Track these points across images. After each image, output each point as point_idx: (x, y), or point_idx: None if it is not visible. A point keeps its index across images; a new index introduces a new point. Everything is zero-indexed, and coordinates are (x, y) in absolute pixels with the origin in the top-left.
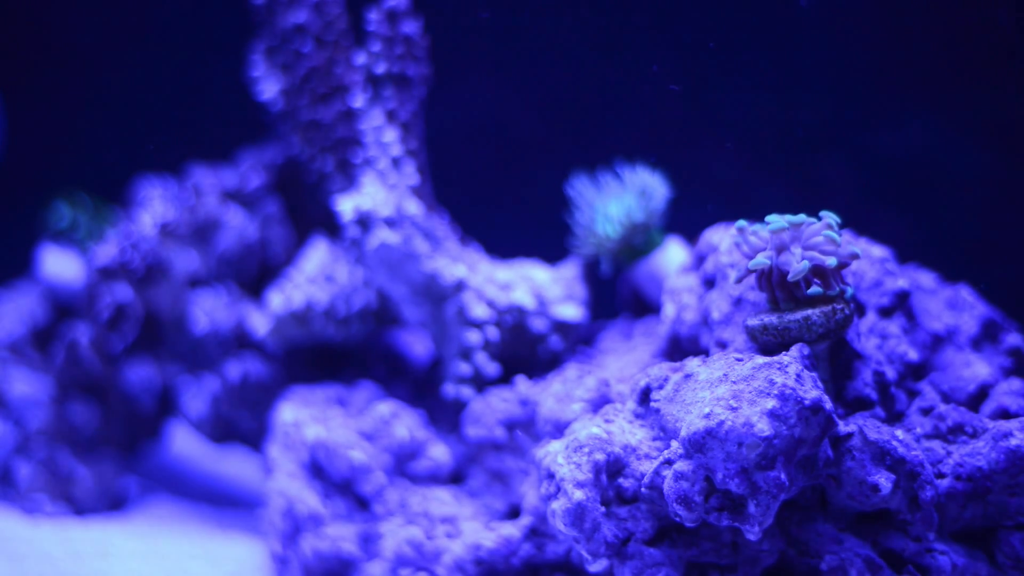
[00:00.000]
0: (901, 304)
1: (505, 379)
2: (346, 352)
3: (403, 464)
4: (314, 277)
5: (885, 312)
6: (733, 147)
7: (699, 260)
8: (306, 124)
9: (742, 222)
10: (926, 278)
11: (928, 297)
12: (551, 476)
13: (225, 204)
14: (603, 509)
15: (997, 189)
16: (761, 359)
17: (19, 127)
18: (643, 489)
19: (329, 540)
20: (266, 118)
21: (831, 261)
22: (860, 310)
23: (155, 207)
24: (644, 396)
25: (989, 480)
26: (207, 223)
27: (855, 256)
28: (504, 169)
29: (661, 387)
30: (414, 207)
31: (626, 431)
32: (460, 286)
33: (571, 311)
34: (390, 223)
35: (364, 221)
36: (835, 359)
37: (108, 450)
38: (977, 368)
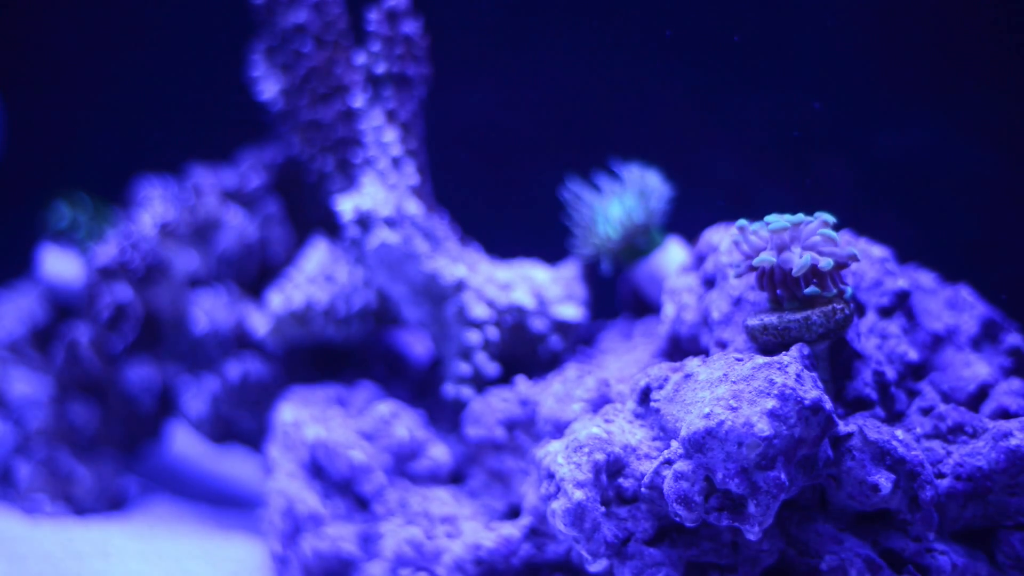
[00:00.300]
0: (901, 304)
1: (505, 379)
2: (346, 352)
3: (403, 464)
4: (314, 277)
5: (885, 312)
6: (733, 147)
7: (699, 260)
8: (306, 124)
9: (742, 221)
10: (926, 278)
11: (928, 297)
12: (551, 476)
13: (225, 204)
14: (603, 509)
15: (997, 189)
16: (761, 359)
17: (19, 127)
18: (643, 489)
19: (329, 540)
20: (266, 118)
21: (826, 262)
22: (860, 310)
23: (155, 207)
24: (644, 396)
25: (989, 480)
26: (207, 223)
27: (854, 256)
28: (504, 169)
29: (661, 387)
30: (414, 207)
31: (626, 431)
32: (460, 286)
33: (571, 311)
34: (390, 223)
35: (364, 221)
36: (835, 359)
37: (108, 450)
38: (977, 368)
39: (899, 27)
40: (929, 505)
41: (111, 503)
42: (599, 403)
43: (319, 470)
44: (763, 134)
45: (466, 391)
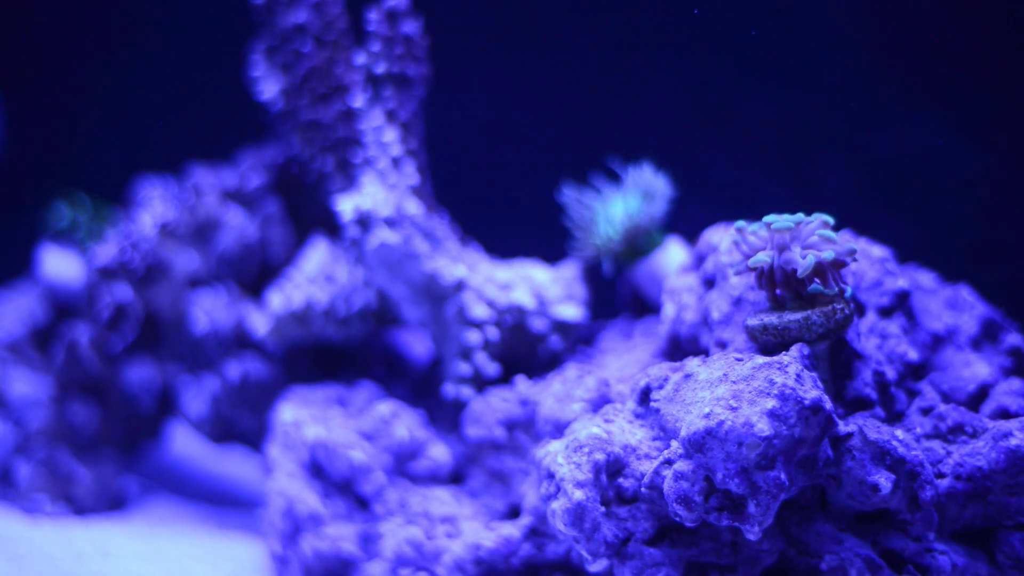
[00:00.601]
0: (901, 304)
1: (505, 379)
2: (346, 352)
3: (403, 464)
4: (314, 277)
5: (885, 312)
6: (733, 147)
7: (699, 260)
8: (306, 124)
9: (742, 222)
10: (926, 278)
11: (928, 297)
12: (551, 476)
13: (225, 204)
14: (603, 509)
15: (997, 189)
16: (761, 359)
17: (19, 127)
18: (643, 489)
19: (329, 540)
20: (266, 118)
21: (828, 254)
22: (860, 310)
23: (155, 207)
24: (644, 396)
25: (989, 480)
26: (207, 223)
27: (853, 252)
28: (504, 169)
29: (661, 387)
30: (414, 207)
31: (626, 431)
32: (460, 286)
33: (571, 311)
34: (390, 223)
35: (364, 221)
36: (835, 359)
37: (108, 450)
38: (977, 368)
39: (899, 27)
40: (929, 505)
41: (111, 503)
42: (599, 403)
43: (319, 470)
44: (763, 134)
45: (466, 391)
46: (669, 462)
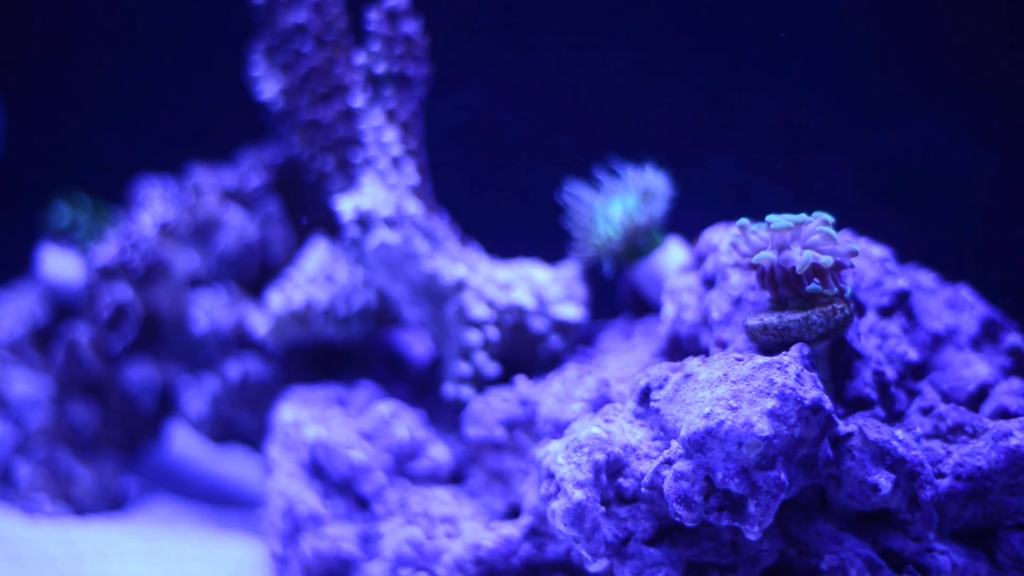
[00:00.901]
0: (901, 304)
1: (505, 379)
2: (346, 352)
3: (403, 464)
4: (314, 277)
5: (885, 312)
6: (734, 147)
7: (699, 260)
8: (306, 124)
9: (744, 220)
10: (926, 278)
11: (928, 297)
12: (551, 476)
13: (225, 204)
14: (603, 509)
15: (997, 189)
16: (761, 359)
17: (19, 127)
18: (643, 489)
19: (329, 540)
20: (266, 118)
21: (826, 260)
22: (860, 310)
23: (155, 207)
24: (644, 396)
25: (989, 480)
26: (207, 223)
27: (854, 253)
28: (504, 169)
29: (661, 387)
30: (414, 207)
31: (626, 431)
32: (460, 286)
33: (571, 311)
34: (390, 223)
35: (364, 221)
36: (835, 359)
37: (108, 450)
38: (977, 368)
39: (899, 27)
40: (929, 505)
41: (111, 503)
42: (599, 403)
43: (319, 470)
44: (763, 134)
45: (466, 391)
46: (669, 462)
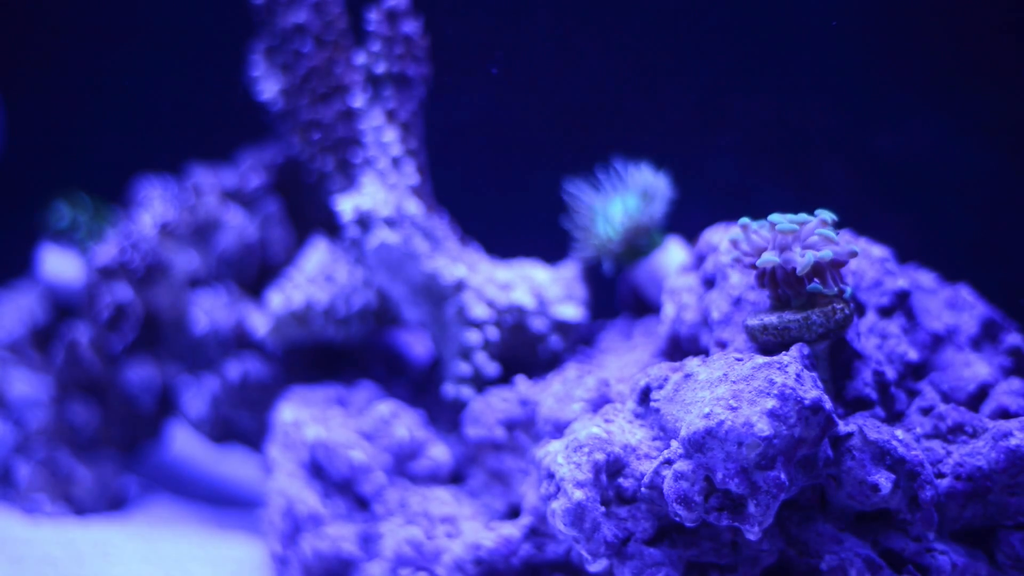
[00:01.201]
0: (901, 304)
1: (505, 379)
2: (346, 352)
3: (403, 464)
4: (314, 277)
5: (885, 312)
6: (734, 147)
7: (699, 260)
8: (306, 124)
9: (745, 220)
10: (926, 278)
11: (928, 297)
12: (551, 476)
13: (225, 204)
14: (603, 509)
15: (997, 189)
16: (761, 359)
17: (19, 127)
18: (643, 489)
19: (329, 540)
20: (266, 118)
21: (824, 254)
22: (860, 310)
23: (155, 207)
24: (644, 396)
25: (989, 480)
26: (207, 223)
27: (854, 252)
28: (504, 169)
29: (661, 387)
30: (414, 207)
31: (626, 431)
32: (460, 286)
33: (571, 311)
34: (390, 223)
35: (364, 221)
36: (835, 359)
37: (108, 450)
38: (977, 368)
39: (899, 26)
40: (929, 505)
41: (111, 503)
42: (599, 403)
43: (319, 470)
44: (763, 134)
45: (466, 391)
46: (669, 462)
